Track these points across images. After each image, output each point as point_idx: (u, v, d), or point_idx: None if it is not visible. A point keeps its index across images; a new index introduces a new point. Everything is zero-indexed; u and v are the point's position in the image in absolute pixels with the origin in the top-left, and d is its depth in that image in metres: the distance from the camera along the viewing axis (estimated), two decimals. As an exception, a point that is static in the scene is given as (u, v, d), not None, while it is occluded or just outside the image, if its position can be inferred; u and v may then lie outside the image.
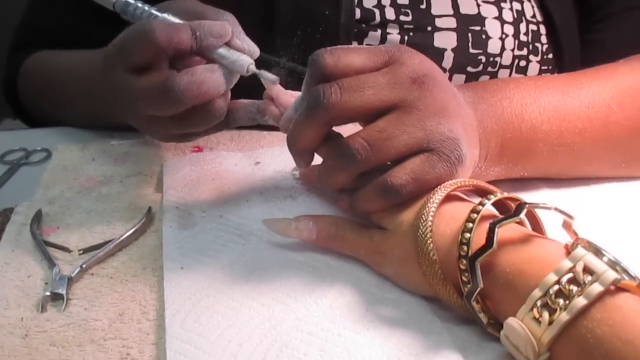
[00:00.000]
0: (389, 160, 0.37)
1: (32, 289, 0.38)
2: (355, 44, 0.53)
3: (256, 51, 0.42)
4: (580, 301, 0.28)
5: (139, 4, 0.42)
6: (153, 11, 0.41)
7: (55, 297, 0.36)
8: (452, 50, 0.55)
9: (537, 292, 0.29)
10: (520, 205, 0.33)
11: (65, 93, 0.58)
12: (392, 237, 0.36)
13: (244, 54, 0.40)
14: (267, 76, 0.41)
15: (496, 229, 0.31)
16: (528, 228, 0.35)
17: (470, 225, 0.32)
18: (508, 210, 0.34)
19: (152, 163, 0.52)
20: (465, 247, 0.32)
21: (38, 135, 0.59)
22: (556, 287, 0.29)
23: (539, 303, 0.29)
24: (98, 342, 0.33)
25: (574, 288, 0.28)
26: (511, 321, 0.30)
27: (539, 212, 0.35)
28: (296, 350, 0.31)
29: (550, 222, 0.35)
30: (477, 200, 0.34)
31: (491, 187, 0.36)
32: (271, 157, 0.51)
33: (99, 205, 0.46)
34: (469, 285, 0.31)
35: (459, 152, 0.36)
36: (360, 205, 0.38)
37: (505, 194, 0.34)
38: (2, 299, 0.37)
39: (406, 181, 0.36)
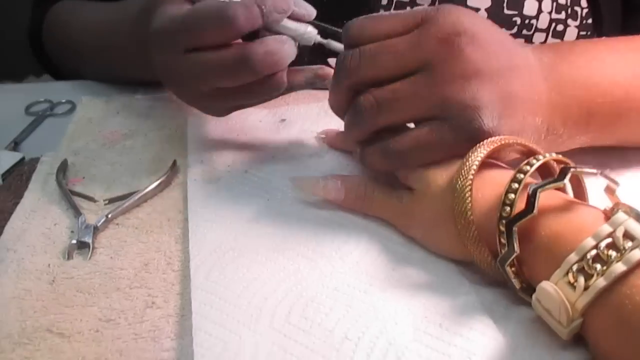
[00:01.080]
0: (398, 122, 0.36)
1: (58, 237, 0.38)
2: (382, 12, 0.51)
3: (313, 13, 0.41)
4: (619, 267, 0.27)
5: None
6: None
7: (81, 246, 0.37)
8: (486, 10, 0.52)
9: (573, 257, 0.28)
10: (565, 169, 0.31)
11: (86, 46, 0.58)
12: (421, 199, 0.35)
13: (306, 23, 0.41)
14: (335, 46, 0.41)
15: (537, 194, 0.30)
16: (569, 193, 0.34)
17: (516, 185, 0.31)
18: (551, 174, 0.33)
19: (176, 117, 0.52)
20: (507, 209, 0.31)
21: (62, 88, 0.59)
22: (594, 252, 0.28)
23: (574, 268, 0.28)
24: (124, 290, 0.34)
25: (613, 253, 0.27)
26: (545, 285, 0.29)
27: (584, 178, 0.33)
28: (322, 305, 0.31)
29: (596, 189, 0.33)
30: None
31: (538, 148, 0.34)
32: (297, 115, 0.51)
33: (123, 158, 0.46)
34: (505, 249, 0.30)
35: (478, 124, 0.34)
36: (366, 161, 0.38)
37: (554, 155, 0.33)
38: (29, 245, 0.37)
39: (408, 148, 0.35)
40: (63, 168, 0.44)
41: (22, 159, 0.46)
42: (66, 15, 0.61)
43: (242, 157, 0.44)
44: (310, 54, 0.45)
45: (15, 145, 0.50)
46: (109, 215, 0.39)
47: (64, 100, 0.56)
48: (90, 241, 0.37)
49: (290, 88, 0.42)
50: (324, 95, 0.55)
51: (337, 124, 0.48)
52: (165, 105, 0.54)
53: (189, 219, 0.38)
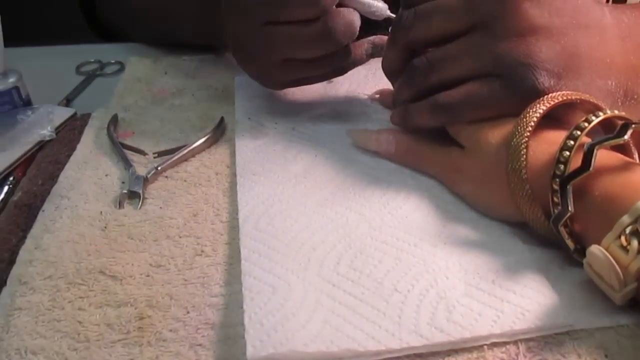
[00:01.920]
0: (449, 79, 0.35)
1: (110, 187, 0.38)
2: None
3: None
4: None
5: None
6: None
7: (132, 195, 0.37)
8: None
9: (626, 219, 0.27)
10: (626, 124, 0.30)
11: (146, 6, 0.57)
12: (471, 155, 0.34)
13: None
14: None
15: (595, 150, 0.29)
16: (635, 154, 0.32)
17: (572, 143, 0.30)
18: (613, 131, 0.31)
19: (222, 78, 0.52)
20: (561, 167, 0.29)
21: (111, 49, 0.60)
22: None
23: (628, 230, 0.26)
24: (173, 238, 0.34)
25: None
26: (594, 249, 0.27)
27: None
28: (370, 257, 0.31)
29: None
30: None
31: (599, 103, 0.33)
32: (344, 77, 0.49)
33: (172, 114, 0.46)
34: (558, 209, 0.29)
35: (532, 82, 0.32)
36: (409, 117, 0.37)
37: (616, 112, 0.31)
38: (82, 193, 0.38)
39: (457, 101, 0.34)
40: (114, 122, 0.44)
41: (75, 114, 0.47)
42: None
43: (289, 115, 0.44)
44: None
45: (67, 102, 0.51)
46: (159, 168, 0.39)
47: (113, 61, 0.57)
48: (140, 191, 0.37)
49: (353, 63, 0.43)
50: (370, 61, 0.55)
51: (385, 86, 0.48)
52: (211, 66, 0.54)
53: (237, 172, 0.38)
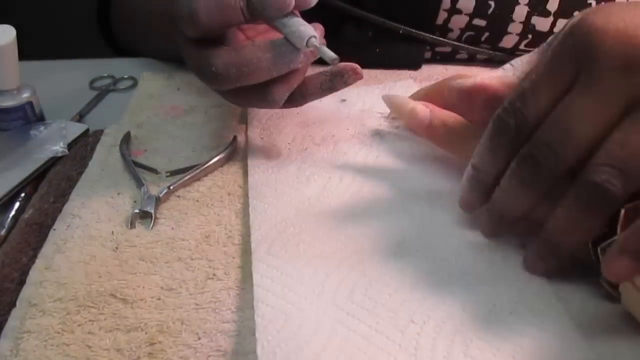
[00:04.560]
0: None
1: (122, 206, 0.38)
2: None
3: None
4: None
5: None
6: None
7: (144, 215, 0.37)
8: None
9: None
10: None
11: (144, 22, 0.57)
12: None
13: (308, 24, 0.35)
14: (327, 54, 0.34)
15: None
16: None
17: None
18: None
19: (235, 95, 0.51)
20: None
21: (124, 64, 0.60)
22: None
23: None
24: (185, 260, 0.34)
25: None
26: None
27: None
28: (386, 286, 0.30)
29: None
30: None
31: None
32: (357, 96, 0.50)
33: (184, 132, 0.46)
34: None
35: None
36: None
37: None
38: (93, 212, 0.37)
39: None
40: (126, 140, 0.44)
41: (87, 130, 0.47)
42: None
43: (302, 135, 0.44)
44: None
45: (80, 118, 0.51)
46: (171, 187, 0.39)
47: (126, 76, 0.57)
48: (152, 211, 0.37)
49: (303, 97, 0.38)
50: (384, 76, 0.54)
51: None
52: (225, 83, 0.54)
53: (249, 194, 0.37)
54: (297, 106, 0.40)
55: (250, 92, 0.36)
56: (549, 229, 0.29)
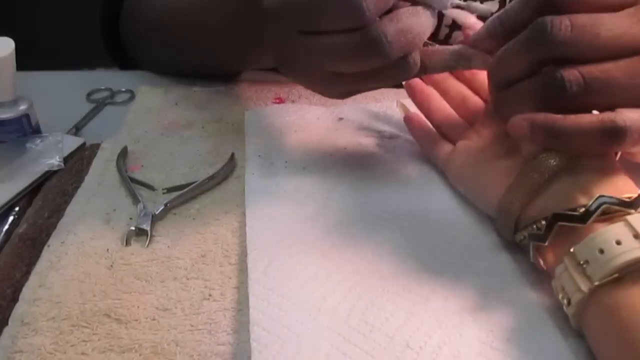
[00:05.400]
0: (604, 107, 0.30)
1: (117, 223, 0.38)
2: None
3: None
4: None
5: None
6: None
7: (140, 233, 0.37)
8: None
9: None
10: None
11: (176, 29, 0.53)
12: None
13: None
14: (479, 8, 0.33)
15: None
16: None
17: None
18: None
19: (232, 111, 0.51)
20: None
21: (122, 77, 0.60)
22: None
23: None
24: (181, 280, 0.33)
25: None
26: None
27: None
28: (382, 310, 0.30)
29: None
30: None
31: None
32: (354, 114, 0.50)
33: (181, 148, 0.46)
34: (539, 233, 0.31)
35: None
36: (526, 132, 0.32)
37: None
38: (89, 229, 0.37)
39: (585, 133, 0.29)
40: (123, 155, 0.44)
41: (83, 144, 0.47)
42: None
43: (299, 153, 0.44)
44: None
45: (76, 131, 0.50)
46: (168, 204, 0.39)
47: (123, 89, 0.57)
48: (148, 229, 0.36)
49: (424, 70, 0.36)
50: (382, 95, 0.55)
51: (398, 123, 0.47)
52: (222, 98, 0.54)
53: (246, 213, 0.37)
54: (415, 77, 0.40)
55: (390, 67, 0.33)
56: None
